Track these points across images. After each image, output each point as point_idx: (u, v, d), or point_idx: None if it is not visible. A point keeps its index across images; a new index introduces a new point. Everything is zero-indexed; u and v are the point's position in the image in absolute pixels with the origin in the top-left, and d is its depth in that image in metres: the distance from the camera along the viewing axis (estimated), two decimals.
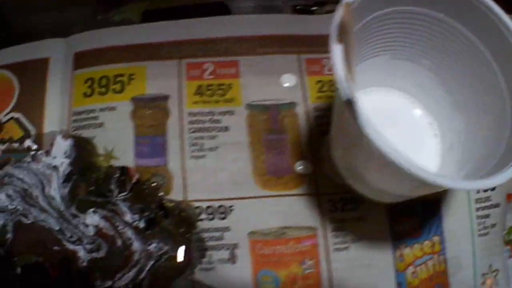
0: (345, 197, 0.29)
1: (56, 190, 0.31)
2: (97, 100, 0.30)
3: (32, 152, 0.32)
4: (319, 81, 0.30)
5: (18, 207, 0.31)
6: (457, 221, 0.29)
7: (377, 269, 0.28)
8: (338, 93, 0.23)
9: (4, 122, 0.32)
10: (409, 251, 0.29)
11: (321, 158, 0.29)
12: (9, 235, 0.31)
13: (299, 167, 0.29)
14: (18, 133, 0.32)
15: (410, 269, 0.29)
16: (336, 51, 0.21)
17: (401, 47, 0.28)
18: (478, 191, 0.30)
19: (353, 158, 0.25)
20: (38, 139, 0.32)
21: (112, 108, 0.30)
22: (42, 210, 0.31)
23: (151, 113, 0.30)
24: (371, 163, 0.24)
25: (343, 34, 0.21)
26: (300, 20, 0.31)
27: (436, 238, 0.29)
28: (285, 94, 0.30)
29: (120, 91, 0.30)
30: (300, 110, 0.30)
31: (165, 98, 0.30)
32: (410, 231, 0.29)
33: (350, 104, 0.21)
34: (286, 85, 0.30)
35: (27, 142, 0.32)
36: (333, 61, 0.21)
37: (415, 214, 0.29)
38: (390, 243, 0.28)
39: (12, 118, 0.32)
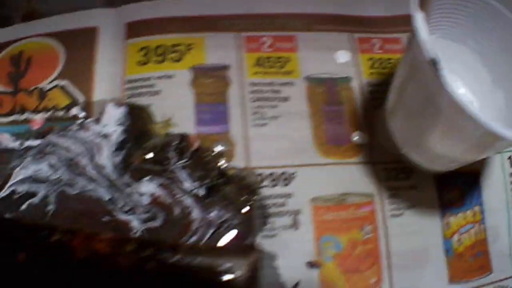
0: (398, 167, 0.30)
1: (107, 159, 0.30)
2: (153, 68, 0.30)
3: (80, 120, 0.31)
4: (370, 59, 0.32)
5: (62, 177, 0.30)
6: (493, 193, 0.31)
7: (428, 235, 0.30)
8: (412, 58, 0.25)
9: (48, 90, 0.31)
10: (454, 220, 0.30)
11: (376, 130, 0.30)
12: (50, 207, 0.29)
13: (355, 137, 0.30)
14: (63, 101, 0.31)
15: (456, 236, 0.30)
16: (418, 17, 0.23)
17: (449, 28, 0.30)
18: (511, 166, 0.32)
19: (417, 124, 0.27)
20: (86, 107, 0.31)
21: (170, 76, 0.30)
22: (91, 179, 0.30)
23: (211, 82, 0.30)
24: (438, 125, 0.25)
25: (423, 2, 0.23)
26: (352, 2, 0.33)
27: (476, 208, 0.31)
28: (340, 69, 0.31)
29: (178, 60, 0.30)
30: (354, 84, 0.31)
31: (225, 68, 0.30)
32: (455, 200, 0.31)
33: (433, 63, 0.22)
34: (340, 61, 0.31)
35: (74, 110, 0.31)
36: (415, 26, 0.22)
37: (458, 184, 0.31)
38: (438, 211, 0.30)
39: (56, 86, 0.31)
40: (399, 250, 0.29)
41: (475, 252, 0.31)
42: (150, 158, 0.29)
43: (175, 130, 0.29)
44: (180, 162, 0.29)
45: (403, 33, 0.33)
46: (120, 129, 0.30)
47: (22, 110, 0.32)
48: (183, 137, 0.29)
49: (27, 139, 0.31)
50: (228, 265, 0.23)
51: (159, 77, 0.30)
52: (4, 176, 0.31)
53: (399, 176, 0.30)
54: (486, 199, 0.31)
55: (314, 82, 0.31)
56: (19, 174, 0.31)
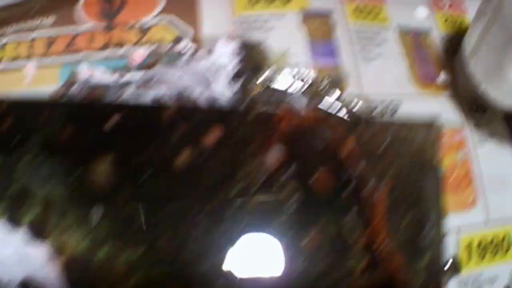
0: (476, 102, 0.34)
1: (222, 89, 0.30)
2: (264, 7, 0.32)
3: (189, 52, 0.31)
4: (443, 15, 0.37)
5: None
6: None
7: (506, 164, 0.34)
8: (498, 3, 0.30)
9: (150, 26, 0.32)
10: None
11: (455, 72, 0.35)
12: None
13: (441, 77, 0.34)
14: (169, 35, 0.31)
15: None
16: None
17: None
18: None
19: (498, 58, 0.31)
20: (195, 41, 0.31)
21: (282, 15, 0.32)
22: None
23: (319, 23, 0.32)
24: None
25: None
26: None
27: None
28: (421, 21, 0.36)
29: (287, 2, 0.33)
30: (434, 35, 0.36)
31: (329, 11, 0.33)
32: None
33: None
34: (421, 15, 0.36)
35: (182, 44, 0.31)
36: None
37: None
38: (510, 144, 0.34)
39: (160, 21, 0.32)
40: (487, 174, 0.32)
41: None
42: (268, 88, 0.31)
43: (291, 62, 0.31)
44: (298, 91, 0.31)
45: None
46: (235, 60, 0.31)
47: (119, 45, 0.31)
48: (300, 68, 0.31)
49: (127, 72, 0.31)
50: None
51: (271, 15, 0.32)
52: None
53: (478, 111, 0.34)
54: None
55: (403, 30, 0.35)
56: None
